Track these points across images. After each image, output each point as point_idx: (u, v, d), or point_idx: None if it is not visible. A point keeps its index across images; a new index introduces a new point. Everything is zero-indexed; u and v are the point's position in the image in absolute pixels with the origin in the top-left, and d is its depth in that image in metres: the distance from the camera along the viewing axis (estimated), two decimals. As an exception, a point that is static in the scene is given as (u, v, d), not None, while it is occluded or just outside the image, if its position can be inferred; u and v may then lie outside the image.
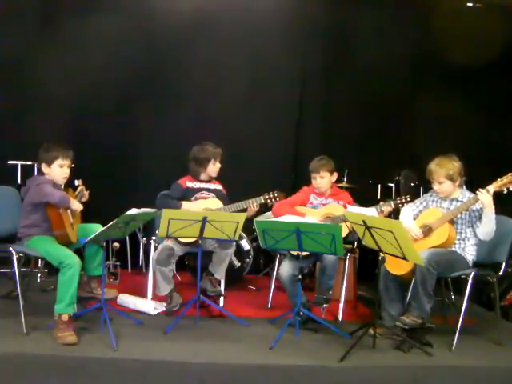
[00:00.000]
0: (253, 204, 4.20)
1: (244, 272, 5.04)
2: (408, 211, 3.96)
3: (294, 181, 5.71)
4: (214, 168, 4.38)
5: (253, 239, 5.05)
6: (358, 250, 4.55)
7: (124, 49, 5.52)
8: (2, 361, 3.07)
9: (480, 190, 3.57)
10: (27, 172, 4.79)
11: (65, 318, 3.33)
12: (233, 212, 4.17)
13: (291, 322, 3.69)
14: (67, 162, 3.72)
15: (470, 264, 3.74)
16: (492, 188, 3.56)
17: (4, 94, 5.33)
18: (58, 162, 3.68)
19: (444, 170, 3.73)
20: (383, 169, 5.80)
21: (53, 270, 4.27)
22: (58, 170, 3.70)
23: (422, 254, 3.48)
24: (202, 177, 4.42)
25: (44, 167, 3.70)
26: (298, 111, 6.04)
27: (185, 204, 4.25)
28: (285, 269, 3.87)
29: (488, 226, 3.60)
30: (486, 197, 3.53)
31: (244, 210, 4.10)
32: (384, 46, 5.84)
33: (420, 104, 5.98)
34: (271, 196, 4.28)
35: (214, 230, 3.72)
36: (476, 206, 3.67)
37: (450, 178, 3.74)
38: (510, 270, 4.39)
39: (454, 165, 3.74)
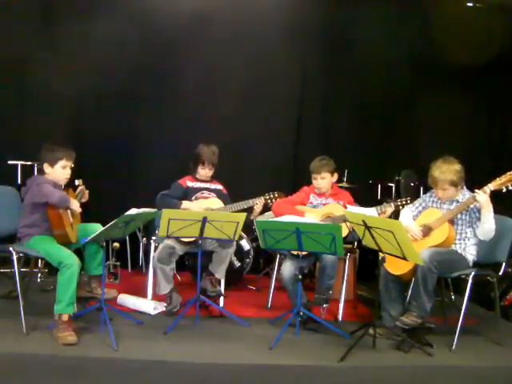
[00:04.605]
0: (258, 202, 4.22)
1: (244, 272, 5.04)
2: (407, 212, 3.96)
3: (294, 181, 5.71)
4: (202, 172, 4.40)
5: (253, 239, 5.04)
6: (358, 250, 4.56)
7: (124, 49, 5.51)
8: (1, 361, 3.07)
9: (476, 190, 3.57)
10: (27, 172, 4.80)
11: (65, 318, 3.33)
12: (233, 212, 4.18)
13: (291, 321, 3.69)
14: (70, 164, 3.73)
15: (471, 264, 3.74)
16: (491, 187, 3.55)
17: (4, 93, 5.33)
18: (62, 163, 3.69)
19: (447, 177, 3.68)
20: (383, 169, 5.80)
21: (53, 270, 4.27)
22: (61, 170, 3.70)
23: (424, 253, 3.49)
24: (201, 176, 4.42)
25: (46, 167, 3.69)
26: (298, 111, 6.04)
27: (185, 203, 4.26)
28: (287, 269, 3.87)
29: (486, 226, 3.60)
30: (482, 197, 3.53)
31: (244, 210, 4.10)
32: (384, 46, 5.83)
33: (420, 104, 5.98)
34: (271, 196, 4.30)
35: (214, 230, 3.72)
36: (476, 206, 3.66)
37: (454, 184, 3.71)
38: (510, 270, 4.39)
39: (456, 170, 3.70)
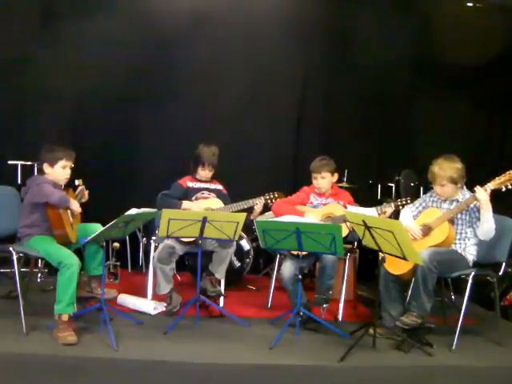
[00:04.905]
0: (258, 203, 4.23)
1: (244, 272, 5.03)
2: (407, 212, 3.96)
3: (294, 181, 5.71)
4: (202, 173, 4.40)
5: (253, 239, 5.04)
6: (358, 250, 4.55)
7: (124, 49, 5.51)
8: (1, 361, 3.07)
9: (478, 187, 3.56)
10: (27, 172, 4.79)
11: (65, 318, 3.33)
12: (233, 212, 4.18)
13: (291, 321, 3.69)
14: (70, 164, 3.73)
15: (471, 264, 3.74)
16: (491, 186, 3.55)
17: (4, 93, 5.33)
18: (62, 163, 3.69)
19: (447, 174, 3.69)
20: (383, 169, 5.80)
21: (53, 270, 4.26)
22: (61, 170, 3.70)
23: (423, 253, 3.49)
24: (201, 177, 4.42)
25: (46, 167, 3.70)
26: (298, 111, 6.04)
27: (185, 203, 4.26)
28: (287, 269, 3.87)
29: (485, 225, 3.59)
30: (483, 194, 3.52)
31: (244, 210, 4.10)
32: (384, 46, 5.84)
33: (420, 104, 5.98)
34: (271, 196, 4.30)
35: (214, 230, 3.72)
36: (476, 206, 3.65)
37: (453, 181, 3.72)
38: (510, 270, 4.39)
39: (457, 167, 3.71)
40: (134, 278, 5.09)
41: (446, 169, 3.71)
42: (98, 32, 5.43)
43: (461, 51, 5.50)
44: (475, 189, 3.56)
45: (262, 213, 4.44)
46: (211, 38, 5.67)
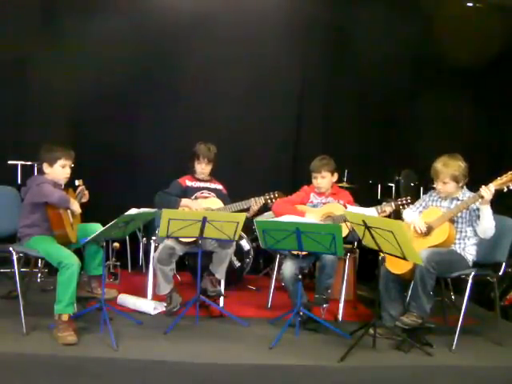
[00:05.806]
0: (256, 202, 4.22)
1: (244, 272, 5.03)
2: (410, 211, 3.96)
3: (294, 181, 5.71)
4: (198, 168, 4.39)
5: (253, 239, 5.04)
6: (358, 250, 4.55)
7: (124, 48, 5.50)
8: (1, 361, 3.07)
9: (483, 186, 3.55)
10: (27, 172, 4.79)
11: (64, 317, 3.33)
12: (233, 212, 4.18)
13: (291, 322, 3.69)
14: (69, 163, 3.74)
15: (470, 264, 3.74)
16: (492, 186, 3.55)
17: (4, 93, 5.33)
18: (61, 162, 3.69)
19: (450, 171, 3.71)
20: (383, 169, 5.80)
21: (53, 270, 4.27)
22: (60, 170, 3.70)
23: (422, 254, 3.48)
24: (201, 176, 4.42)
25: (45, 167, 3.70)
26: (298, 111, 6.05)
27: (184, 200, 4.25)
28: (288, 269, 3.87)
29: (484, 222, 3.59)
30: (488, 195, 3.52)
31: (244, 210, 4.10)
32: (384, 46, 5.84)
33: (420, 104, 5.99)
34: (271, 196, 4.29)
35: (214, 230, 3.72)
36: (477, 205, 3.66)
37: (455, 179, 3.73)
38: (510, 270, 4.39)
39: (459, 166, 3.72)
40: (134, 278, 5.09)
41: (449, 166, 3.72)
42: (98, 32, 5.43)
43: (461, 51, 5.50)
44: (481, 189, 3.55)
45: (262, 213, 4.44)
46: (211, 37, 5.67)
